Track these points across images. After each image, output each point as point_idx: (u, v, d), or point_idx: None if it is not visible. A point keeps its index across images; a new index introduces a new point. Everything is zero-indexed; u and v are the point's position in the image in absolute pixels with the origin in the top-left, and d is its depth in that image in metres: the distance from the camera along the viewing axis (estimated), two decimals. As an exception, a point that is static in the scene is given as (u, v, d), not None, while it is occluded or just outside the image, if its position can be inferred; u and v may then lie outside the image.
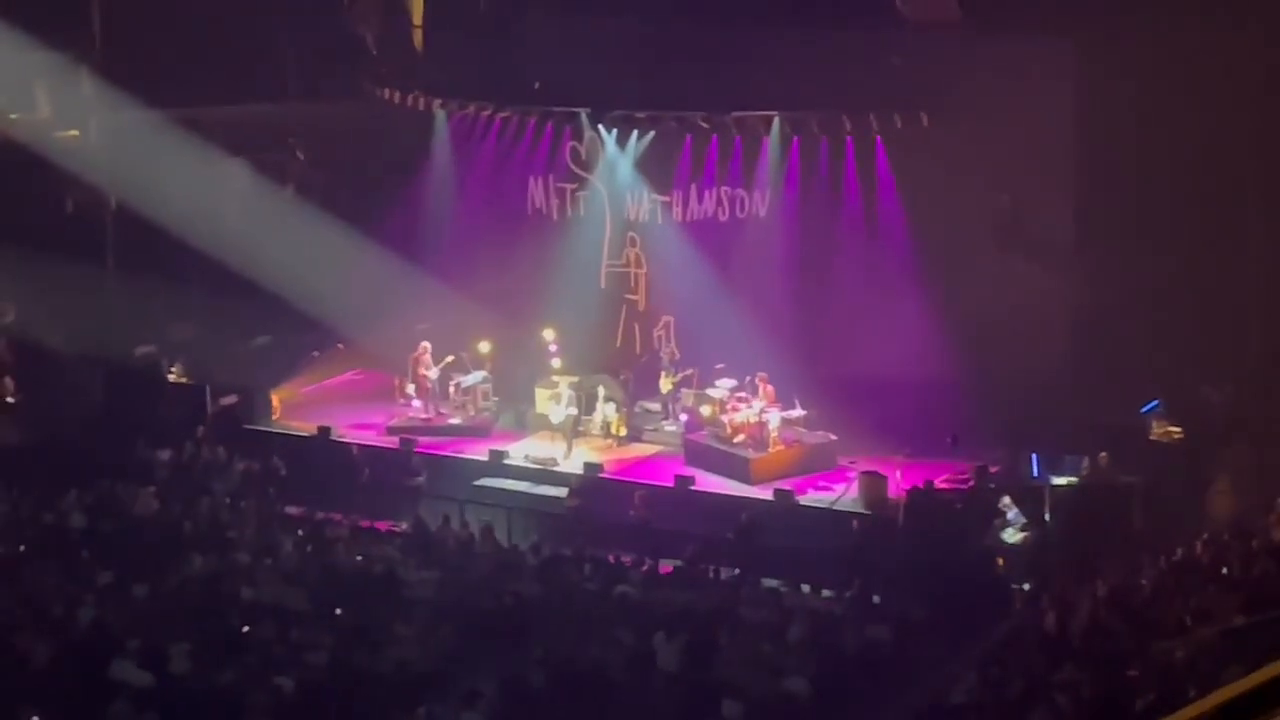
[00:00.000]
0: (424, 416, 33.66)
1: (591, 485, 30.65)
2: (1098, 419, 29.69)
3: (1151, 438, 29.76)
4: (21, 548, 24.81)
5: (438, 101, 35.89)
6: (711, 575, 26.02)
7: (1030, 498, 28.02)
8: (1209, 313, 30.40)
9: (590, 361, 34.23)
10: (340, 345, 36.09)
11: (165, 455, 30.53)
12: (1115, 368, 30.25)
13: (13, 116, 35.57)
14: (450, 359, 33.72)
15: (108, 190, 36.16)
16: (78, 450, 29.73)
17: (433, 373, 33.61)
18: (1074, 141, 31.53)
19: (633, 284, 35.42)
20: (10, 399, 31.41)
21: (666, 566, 26.62)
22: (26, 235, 33.47)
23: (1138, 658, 19.93)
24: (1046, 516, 27.80)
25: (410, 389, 33.87)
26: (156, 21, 35.39)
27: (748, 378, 31.87)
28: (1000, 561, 26.90)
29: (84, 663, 20.37)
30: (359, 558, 25.56)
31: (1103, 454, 28.57)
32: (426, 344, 33.76)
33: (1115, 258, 30.89)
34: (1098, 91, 30.85)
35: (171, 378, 34.08)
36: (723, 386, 31.87)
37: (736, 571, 26.19)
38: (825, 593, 25.10)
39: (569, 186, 35.51)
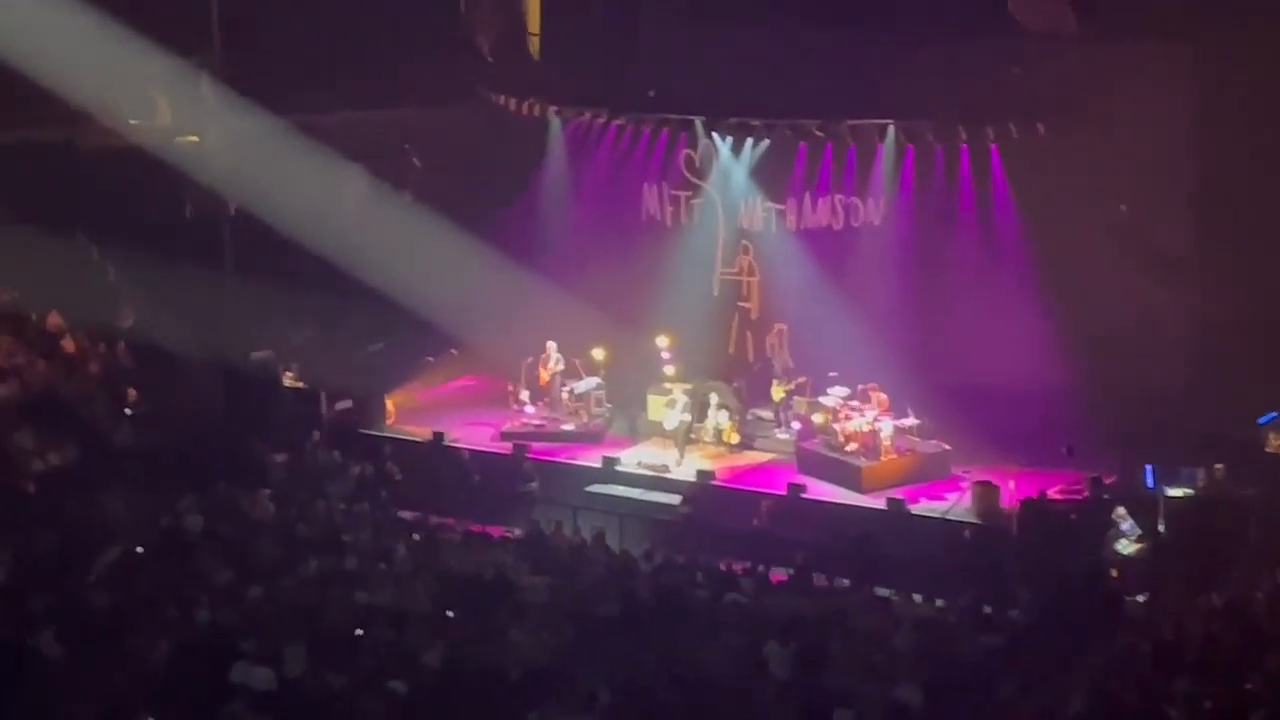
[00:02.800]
0: (537, 422, 33.80)
1: (704, 493, 30.66)
2: (1214, 430, 29.41)
3: (1268, 450, 29.44)
4: (139, 549, 25.01)
5: (553, 108, 36.07)
6: (823, 583, 25.94)
7: (1145, 509, 27.78)
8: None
9: (703, 368, 34.28)
10: (454, 351, 36.28)
11: (281, 459, 30.74)
12: (1232, 379, 29.98)
13: (134, 122, 35.96)
14: (562, 367, 33.95)
15: (226, 195, 36.48)
16: (195, 453, 29.95)
17: (548, 374, 33.85)
18: (1193, 150, 31.30)
19: (746, 292, 35.45)
20: (130, 410, 31.64)
21: (778, 574, 26.58)
22: (146, 239, 33.85)
23: (1254, 671, 19.72)
24: (1161, 528, 27.57)
25: (524, 395, 34.03)
26: (276, 28, 35.73)
27: (860, 386, 31.81)
28: (1114, 573, 26.69)
29: (199, 664, 20.51)
30: (471, 562, 25.63)
31: (1219, 466, 28.29)
32: (553, 344, 33.93)
33: (1234, 267, 30.63)
34: (1217, 98, 30.62)
35: (287, 382, 34.33)
36: (835, 395, 31.84)
37: (847, 581, 26.10)
38: (937, 602, 24.95)
39: (683, 194, 35.60)
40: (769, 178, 34.66)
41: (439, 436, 33.03)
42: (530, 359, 34.32)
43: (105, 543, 24.57)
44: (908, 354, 32.13)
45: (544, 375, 34.11)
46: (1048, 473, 29.78)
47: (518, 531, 28.44)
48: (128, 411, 31.77)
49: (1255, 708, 18.08)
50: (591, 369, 34.30)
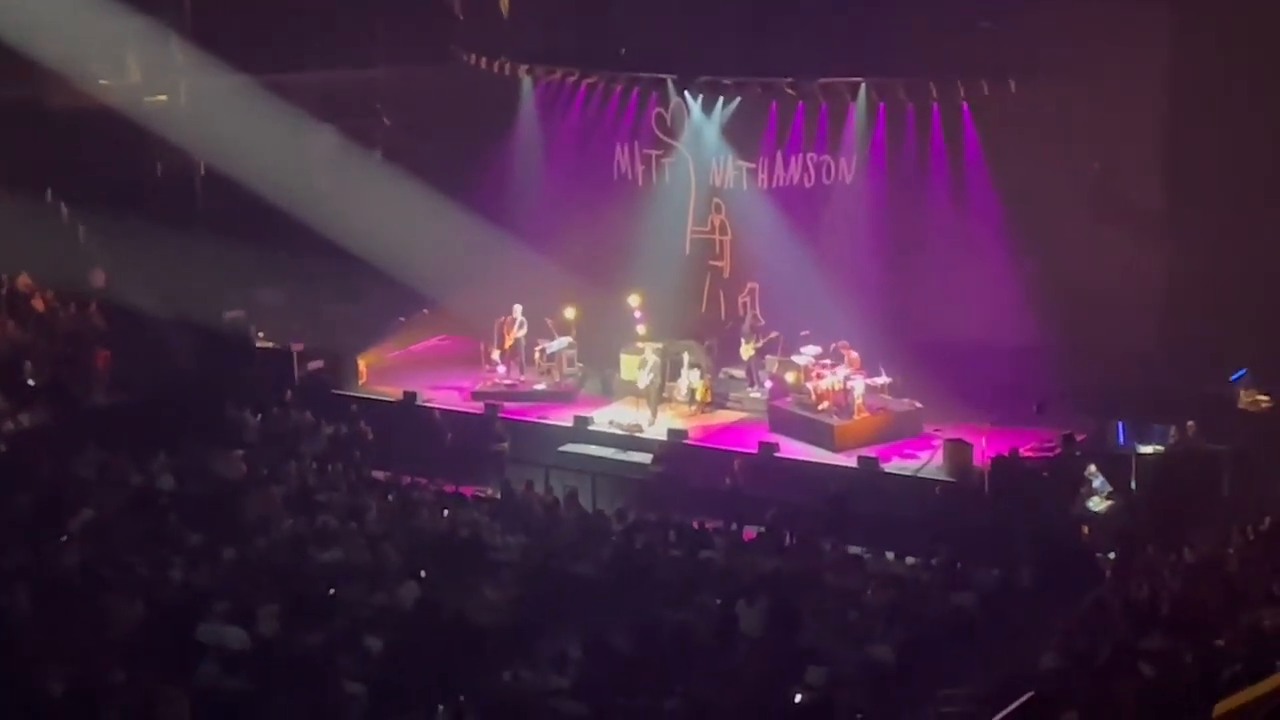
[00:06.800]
0: (509, 382, 33.78)
1: (676, 451, 30.64)
2: (1185, 387, 29.47)
3: (1240, 406, 29.50)
4: (112, 509, 24.97)
5: (524, 67, 35.96)
6: (794, 541, 25.97)
7: (1117, 466, 27.85)
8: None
9: (675, 327, 34.25)
10: (426, 311, 36.24)
11: (253, 419, 30.71)
12: (1204, 336, 30.04)
13: (103, 81, 35.82)
14: (525, 330, 33.89)
15: (197, 155, 36.39)
16: (167, 413, 29.92)
17: (512, 338, 33.81)
18: (1167, 106, 31.29)
19: (718, 250, 35.42)
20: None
21: (750, 533, 26.61)
22: (116, 199, 33.76)
23: (1225, 627, 19.79)
24: (1133, 485, 27.64)
25: (496, 355, 33.99)
26: (245, -13, 35.64)
27: (832, 345, 31.81)
28: (1086, 530, 26.77)
29: (172, 624, 20.51)
30: (445, 519, 25.65)
31: (1190, 422, 28.36)
32: (519, 307, 33.88)
33: (1206, 224, 30.65)
34: (1191, 54, 30.59)
35: (259, 342, 34.27)
36: (808, 353, 31.82)
37: (819, 539, 26.12)
38: (909, 560, 25.02)
39: (655, 153, 35.52)
40: (740, 136, 34.59)
41: (411, 396, 32.99)
42: (502, 318, 34.23)
43: (78, 503, 24.55)
44: (880, 312, 32.13)
45: (508, 339, 34.04)
46: (1020, 430, 29.78)
47: (490, 491, 28.44)
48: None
49: (1228, 664, 18.13)
50: (563, 328, 34.24)
